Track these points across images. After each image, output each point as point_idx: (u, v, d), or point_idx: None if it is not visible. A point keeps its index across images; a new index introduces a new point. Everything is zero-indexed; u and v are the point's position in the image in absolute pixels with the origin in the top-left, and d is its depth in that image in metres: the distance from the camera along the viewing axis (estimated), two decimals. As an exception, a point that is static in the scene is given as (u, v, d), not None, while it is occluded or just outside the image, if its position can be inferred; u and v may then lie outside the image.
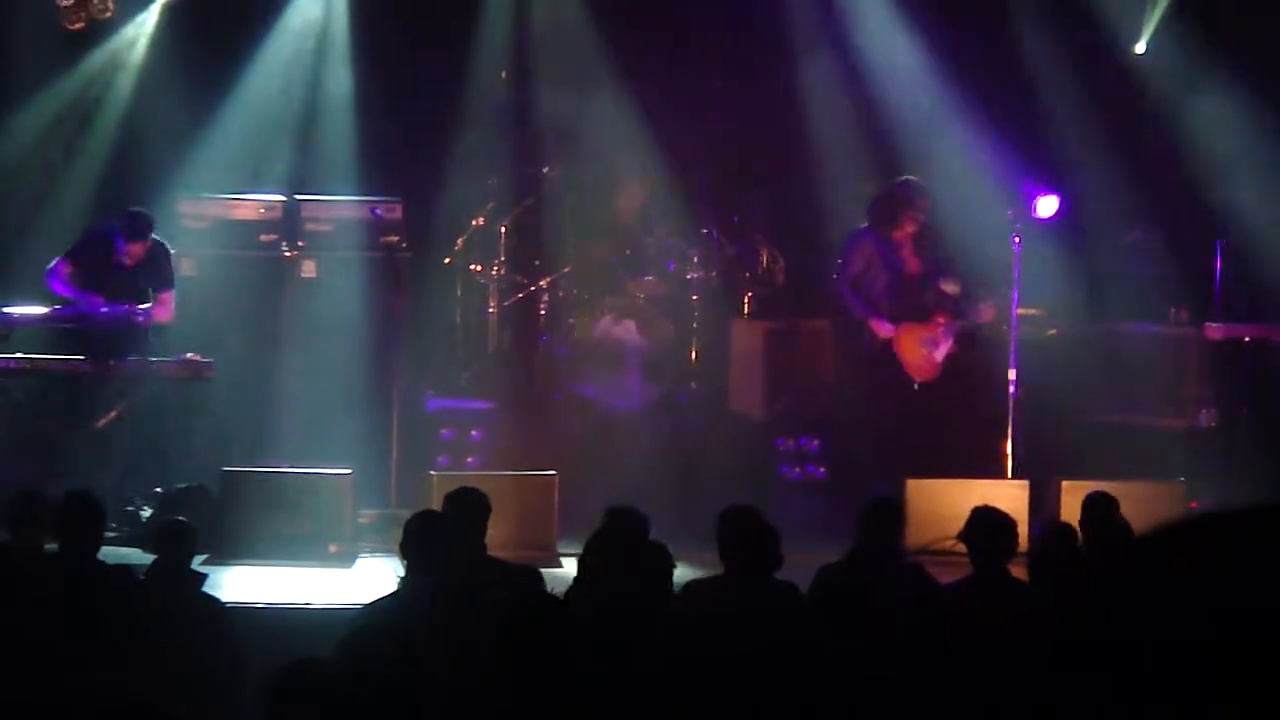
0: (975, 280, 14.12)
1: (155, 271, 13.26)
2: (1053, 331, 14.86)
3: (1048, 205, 14.71)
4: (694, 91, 16.40)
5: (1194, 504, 12.73)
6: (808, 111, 16.26)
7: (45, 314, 13.17)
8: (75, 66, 15.51)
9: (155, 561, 8.79)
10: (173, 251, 13.48)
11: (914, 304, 13.80)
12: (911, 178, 14.12)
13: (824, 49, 16.24)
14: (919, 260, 13.83)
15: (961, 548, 9.06)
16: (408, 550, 8.43)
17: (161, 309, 13.21)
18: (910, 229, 13.77)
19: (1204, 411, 14.77)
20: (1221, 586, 2.63)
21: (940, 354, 13.71)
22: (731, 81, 16.52)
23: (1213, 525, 2.76)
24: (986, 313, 13.81)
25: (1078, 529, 9.50)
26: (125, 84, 15.66)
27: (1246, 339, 14.52)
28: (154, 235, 13.27)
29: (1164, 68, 15.82)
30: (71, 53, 15.43)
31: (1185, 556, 2.70)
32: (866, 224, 13.99)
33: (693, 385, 15.52)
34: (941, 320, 13.70)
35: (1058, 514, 12.10)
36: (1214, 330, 14.60)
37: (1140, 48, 16.06)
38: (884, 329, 13.79)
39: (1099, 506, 9.80)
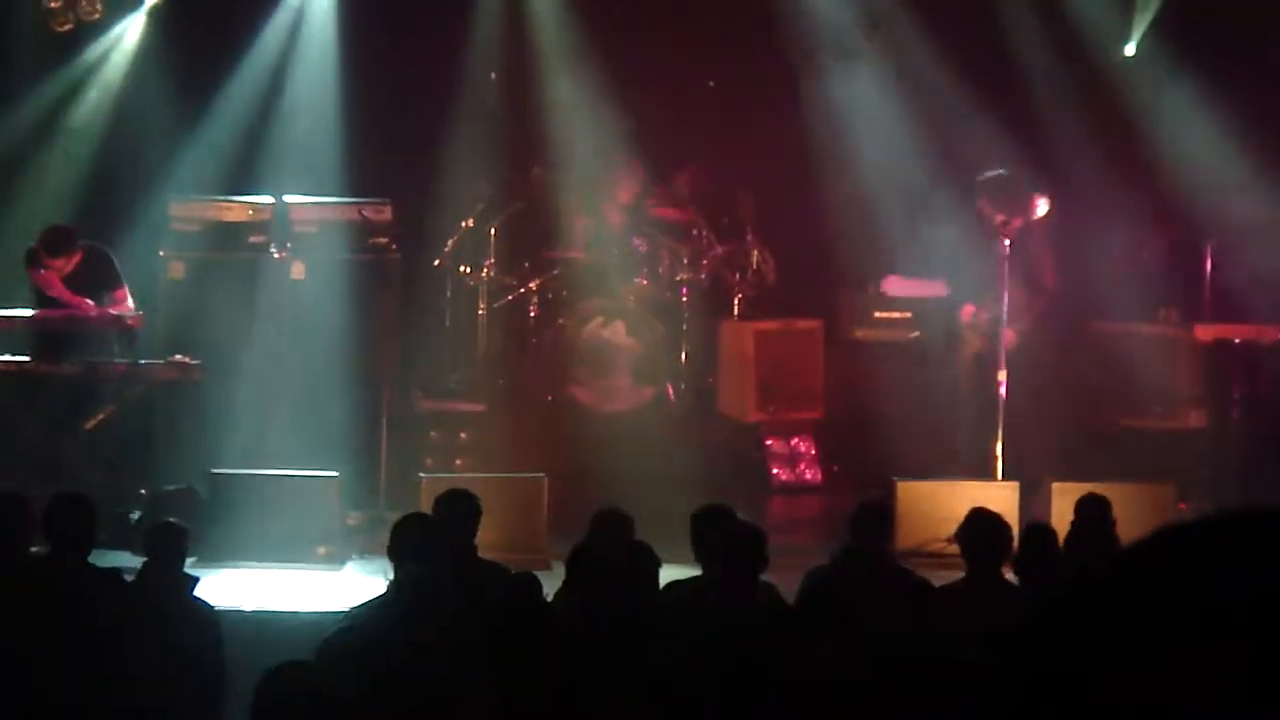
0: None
1: (96, 277, 13.23)
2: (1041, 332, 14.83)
3: (1041, 206, 14.71)
4: (684, 90, 16.39)
5: (1183, 505, 12.71)
6: (800, 111, 16.28)
7: (32, 316, 13.16)
8: (63, 67, 15.51)
9: (146, 563, 8.75)
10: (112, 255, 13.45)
11: None
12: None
13: (820, 53, 16.28)
14: None
15: (954, 549, 9.04)
16: (396, 553, 8.40)
17: (118, 306, 13.18)
18: None
19: (1194, 412, 14.77)
20: (1211, 591, 2.63)
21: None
22: (722, 80, 16.52)
23: (1201, 530, 2.76)
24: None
25: (1062, 529, 9.51)
26: (113, 85, 15.65)
27: (1236, 340, 14.53)
28: (84, 242, 13.25)
29: (1151, 71, 15.86)
30: (60, 53, 15.43)
31: (1176, 561, 2.70)
32: None
33: (682, 387, 15.51)
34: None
35: (1048, 515, 12.07)
36: (1204, 331, 14.60)
37: (1130, 49, 16.09)
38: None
39: (1092, 507, 9.78)
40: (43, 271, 13.13)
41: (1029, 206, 13.76)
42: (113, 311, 13.10)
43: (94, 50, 15.62)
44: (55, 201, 15.12)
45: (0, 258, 14.36)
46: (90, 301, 13.12)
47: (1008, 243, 13.34)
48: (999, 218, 13.60)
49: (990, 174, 14.00)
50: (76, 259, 13.16)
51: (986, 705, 5.43)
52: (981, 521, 8.87)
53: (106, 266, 13.31)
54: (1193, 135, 15.55)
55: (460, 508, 9.19)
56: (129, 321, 13.10)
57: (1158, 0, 15.89)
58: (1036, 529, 9.17)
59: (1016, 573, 8.75)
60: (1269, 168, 15.19)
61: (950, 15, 15.96)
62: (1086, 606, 2.70)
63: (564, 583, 8.37)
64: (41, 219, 14.09)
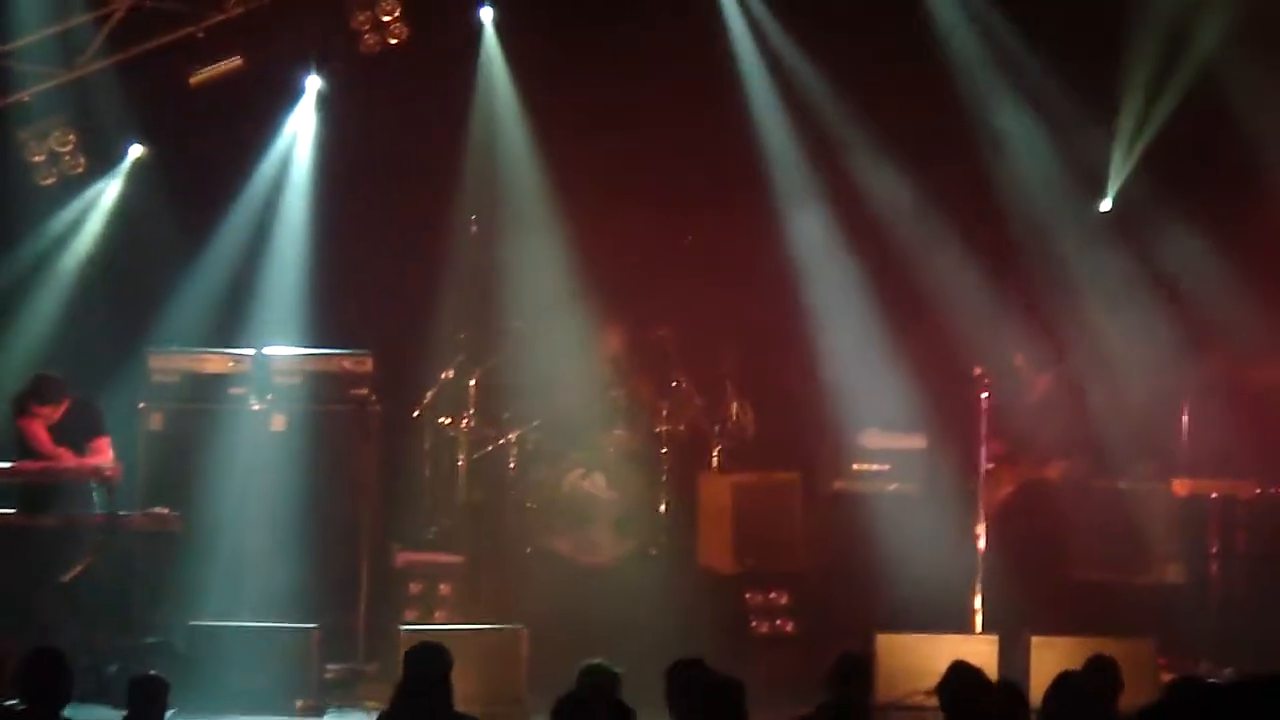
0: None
1: (80, 426, 13.24)
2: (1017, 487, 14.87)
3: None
4: (663, 245, 16.50)
5: (1163, 661, 12.68)
6: (780, 264, 16.38)
7: (11, 467, 13.13)
8: (46, 220, 15.60)
9: (127, 716, 8.70)
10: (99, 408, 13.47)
11: None
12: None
13: (797, 206, 16.44)
14: None
15: (933, 701, 9.02)
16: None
17: (99, 456, 13.18)
18: None
19: (1172, 567, 14.77)
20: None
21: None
22: (702, 235, 16.62)
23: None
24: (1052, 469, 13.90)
25: (1041, 682, 9.49)
26: (94, 237, 15.73)
27: (1213, 494, 14.56)
28: (71, 392, 13.29)
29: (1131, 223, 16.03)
30: (43, 207, 15.52)
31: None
32: None
33: (662, 539, 15.50)
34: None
35: (1028, 669, 12.06)
36: (1181, 485, 14.63)
37: (1106, 204, 16.25)
38: None
39: (1102, 669, 9.64)
40: (30, 419, 13.15)
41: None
42: (92, 462, 13.08)
43: (77, 204, 15.70)
44: (36, 349, 15.15)
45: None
46: (70, 453, 13.10)
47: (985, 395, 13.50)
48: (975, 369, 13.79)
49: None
50: (64, 407, 13.18)
51: None
52: (962, 675, 8.86)
53: (91, 416, 13.33)
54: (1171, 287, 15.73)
55: (429, 661, 9.12)
56: (107, 473, 13.07)
57: (1135, 156, 16.07)
58: (1005, 686, 9.15)
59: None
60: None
61: (931, 161, 16.12)
62: None
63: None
64: (23, 366, 14.13)
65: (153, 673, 9.03)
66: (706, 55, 16.34)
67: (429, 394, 15.53)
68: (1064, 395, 14.05)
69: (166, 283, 15.50)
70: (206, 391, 14.17)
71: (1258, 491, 14.56)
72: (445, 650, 9.15)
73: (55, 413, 13.14)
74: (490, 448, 15.48)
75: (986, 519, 13.60)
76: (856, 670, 9.32)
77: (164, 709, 8.77)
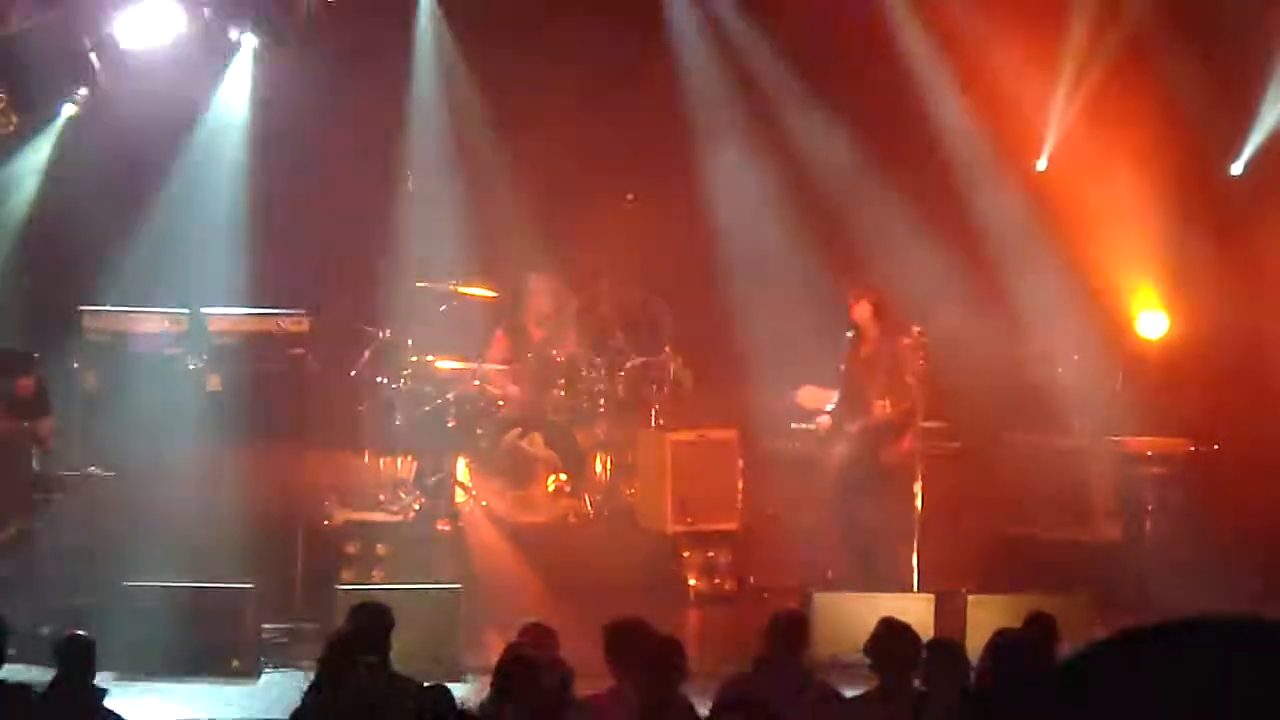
0: None
1: (41, 400, 13.15)
2: (956, 444, 14.93)
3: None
4: (604, 204, 16.49)
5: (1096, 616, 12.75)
6: (718, 222, 16.40)
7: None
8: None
9: (56, 677, 8.67)
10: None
11: None
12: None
13: (734, 160, 16.46)
14: None
15: (865, 660, 9.07)
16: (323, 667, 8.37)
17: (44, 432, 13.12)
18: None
19: (1107, 523, 14.86)
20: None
21: None
22: (643, 192, 16.62)
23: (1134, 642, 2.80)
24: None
25: (977, 639, 9.53)
26: (28, 196, 15.62)
27: (1149, 452, 14.65)
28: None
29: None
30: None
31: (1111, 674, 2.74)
32: None
33: (599, 498, 15.50)
34: None
35: (964, 627, 12.12)
36: (1117, 443, 14.72)
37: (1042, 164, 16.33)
38: None
39: (1039, 626, 9.69)
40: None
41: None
42: (25, 424, 12.99)
43: (9, 163, 15.58)
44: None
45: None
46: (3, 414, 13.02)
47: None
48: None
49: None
50: (39, 379, 13.05)
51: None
52: (890, 632, 8.92)
53: (42, 391, 13.25)
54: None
55: (373, 619, 9.14)
56: (43, 434, 12.99)
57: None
58: (940, 643, 9.20)
59: (924, 683, 8.77)
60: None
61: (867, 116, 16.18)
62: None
63: (487, 695, 8.33)
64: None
65: (81, 633, 9.00)
66: (647, 8, 16.33)
67: (366, 353, 15.48)
68: (896, 354, 14.11)
69: (101, 242, 15.38)
70: (142, 351, 14.10)
71: (1192, 449, 14.67)
72: (388, 610, 9.18)
73: (34, 383, 12.96)
74: (428, 407, 15.44)
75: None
76: (793, 629, 9.36)
77: (93, 668, 8.75)
